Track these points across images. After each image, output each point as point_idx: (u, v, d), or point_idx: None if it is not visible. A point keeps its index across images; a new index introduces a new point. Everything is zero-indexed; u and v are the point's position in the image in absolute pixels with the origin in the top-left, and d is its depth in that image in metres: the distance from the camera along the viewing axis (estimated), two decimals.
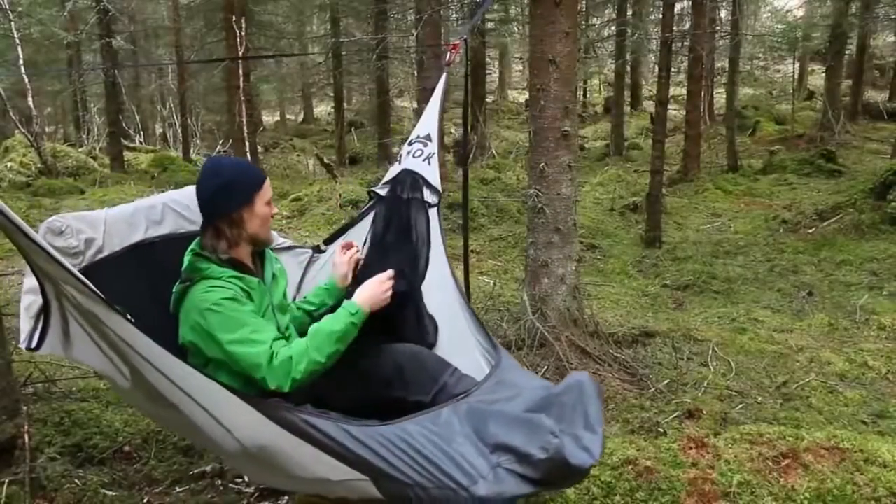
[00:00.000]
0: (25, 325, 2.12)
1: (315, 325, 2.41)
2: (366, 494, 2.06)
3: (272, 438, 2.00)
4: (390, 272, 2.61)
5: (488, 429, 2.06)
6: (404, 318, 2.92)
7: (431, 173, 3.22)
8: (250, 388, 2.29)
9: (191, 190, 2.70)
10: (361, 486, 2.03)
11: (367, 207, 3.31)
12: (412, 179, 3.20)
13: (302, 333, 2.46)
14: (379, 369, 2.58)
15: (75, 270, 1.86)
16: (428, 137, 3.32)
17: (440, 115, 3.41)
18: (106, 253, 2.56)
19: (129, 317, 1.91)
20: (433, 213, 3.17)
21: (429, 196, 3.19)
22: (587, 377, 2.24)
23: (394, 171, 3.30)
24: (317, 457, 1.99)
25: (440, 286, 3.01)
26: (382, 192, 3.27)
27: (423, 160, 3.25)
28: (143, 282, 2.57)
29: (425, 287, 3.05)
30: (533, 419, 2.07)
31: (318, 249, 3.27)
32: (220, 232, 2.44)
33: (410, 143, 3.35)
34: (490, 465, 1.97)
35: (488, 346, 2.70)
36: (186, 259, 2.46)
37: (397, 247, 3.15)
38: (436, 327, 2.95)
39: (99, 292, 1.85)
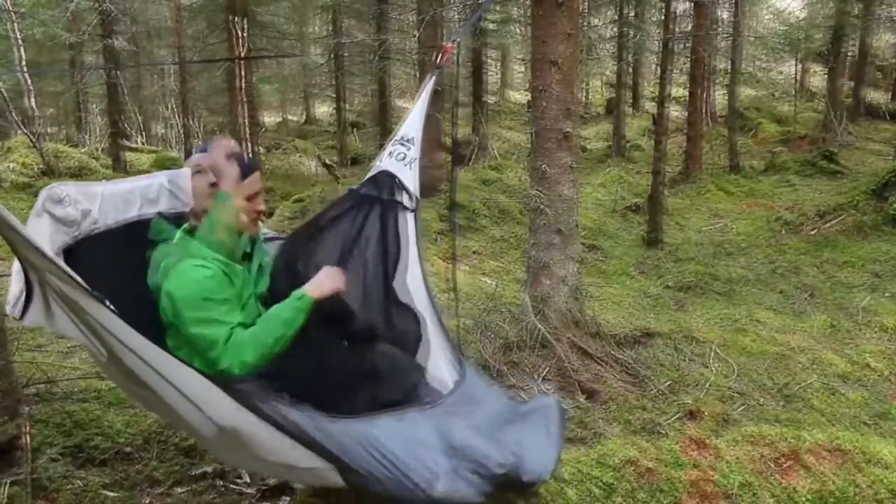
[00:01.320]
0: (15, 287, 2.16)
1: (265, 313, 2.45)
2: (331, 482, 2.12)
3: (243, 423, 2.05)
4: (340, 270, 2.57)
5: (451, 434, 2.12)
6: (371, 320, 2.91)
7: (410, 178, 3.19)
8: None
9: (187, 172, 2.73)
10: (328, 474, 2.09)
11: (345, 206, 3.23)
12: (390, 182, 3.17)
13: None
14: (353, 369, 2.59)
15: (58, 260, 1.92)
16: (410, 141, 3.28)
17: (424, 118, 3.39)
18: (101, 226, 2.60)
19: (108, 303, 1.95)
20: (410, 217, 3.15)
21: (406, 200, 3.16)
22: (555, 401, 2.33)
23: (373, 170, 3.28)
24: (286, 444, 2.05)
25: (412, 294, 3.01)
26: (361, 190, 3.24)
27: (405, 164, 3.22)
28: (134, 258, 2.59)
29: (398, 290, 3.04)
30: (494, 434, 2.15)
31: None
32: (198, 217, 2.53)
33: (393, 144, 3.33)
34: (449, 468, 2.04)
35: (454, 361, 2.75)
36: (176, 235, 2.52)
37: (364, 248, 3.14)
38: (417, 322, 2.94)
39: (81, 280, 1.90)
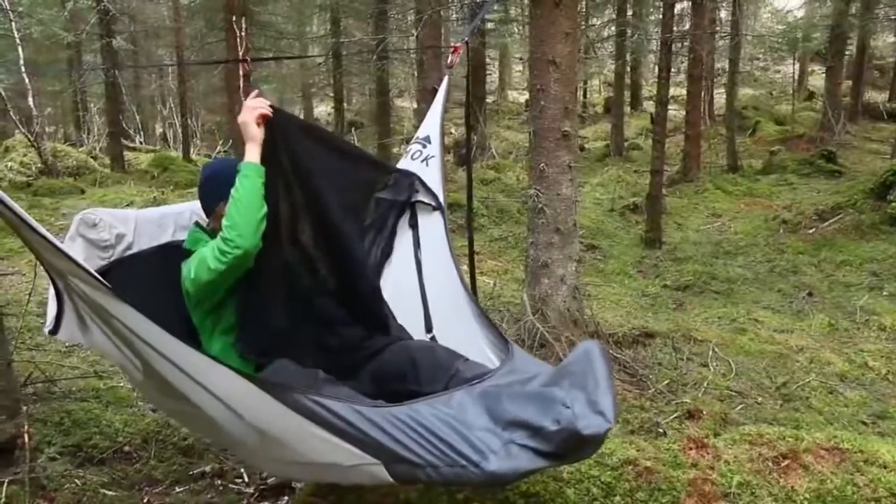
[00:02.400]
0: (51, 310, 2.21)
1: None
2: (377, 479, 2.07)
3: (284, 422, 2.01)
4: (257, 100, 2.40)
5: (501, 406, 2.06)
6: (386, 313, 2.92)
7: (429, 175, 3.21)
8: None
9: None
10: (373, 470, 2.04)
11: (373, 216, 3.19)
12: (409, 181, 3.19)
13: None
14: (392, 365, 2.59)
15: (81, 261, 1.93)
16: (427, 139, 3.32)
17: (442, 117, 3.41)
18: (135, 250, 2.66)
19: (133, 304, 1.95)
20: (437, 215, 3.17)
21: (426, 198, 3.19)
22: (594, 344, 2.25)
23: (394, 174, 3.29)
24: (328, 440, 2.00)
25: (447, 286, 3.01)
26: (385, 196, 3.24)
27: (421, 161, 3.25)
28: (167, 281, 2.61)
29: (432, 288, 3.08)
30: (545, 392, 2.07)
31: None
32: (210, 222, 2.62)
33: (411, 145, 3.36)
34: (502, 442, 1.97)
35: (499, 343, 2.71)
36: (188, 233, 2.61)
37: (398, 253, 3.17)
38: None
39: (105, 282, 1.90)
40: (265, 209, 2.34)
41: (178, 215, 2.86)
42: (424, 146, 3.29)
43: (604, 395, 2.00)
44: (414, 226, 3.18)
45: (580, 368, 2.15)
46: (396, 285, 3.07)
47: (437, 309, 3.05)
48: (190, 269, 2.40)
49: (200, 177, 2.70)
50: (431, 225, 3.17)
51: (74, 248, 2.47)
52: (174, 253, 2.69)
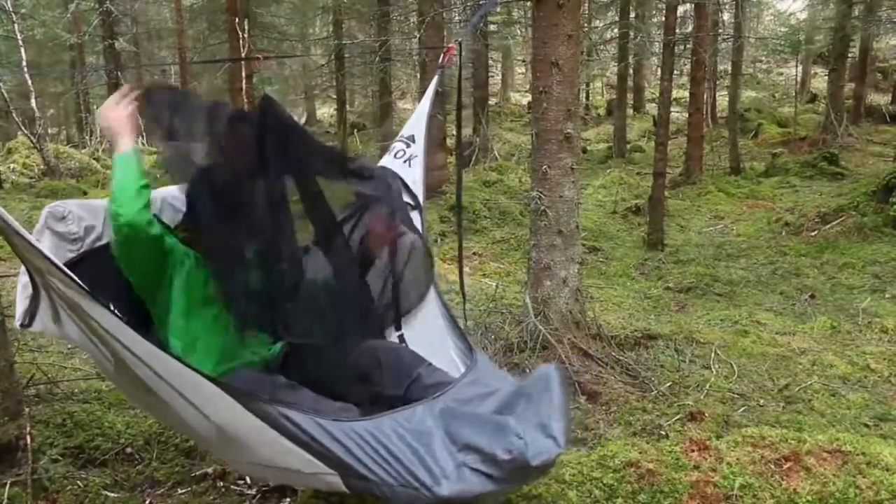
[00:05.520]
0: (21, 303, 2.21)
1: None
2: (333, 488, 2.12)
3: (247, 427, 2.05)
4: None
5: (459, 429, 2.09)
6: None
7: (410, 175, 3.19)
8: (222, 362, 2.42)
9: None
10: (330, 480, 2.08)
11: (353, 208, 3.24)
12: (389, 178, 3.12)
13: None
14: (359, 366, 2.59)
15: (59, 263, 1.95)
16: (411, 138, 3.30)
17: (428, 116, 3.39)
18: (105, 240, 2.58)
19: (111, 308, 2.00)
20: (415, 214, 3.14)
21: (406, 196, 3.15)
22: (553, 369, 2.30)
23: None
24: (290, 449, 2.04)
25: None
26: (366, 190, 3.22)
27: (404, 161, 3.23)
28: None
29: (403, 288, 3.05)
30: (499, 420, 2.10)
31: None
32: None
33: (394, 142, 3.34)
34: (455, 465, 2.00)
35: (464, 348, 2.73)
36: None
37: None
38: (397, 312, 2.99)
39: (83, 284, 1.92)
40: (143, 181, 2.35)
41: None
42: (408, 145, 3.27)
43: (557, 419, 2.05)
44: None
45: (537, 391, 2.20)
46: (368, 279, 3.06)
47: (407, 307, 3.02)
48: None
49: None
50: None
51: (43, 242, 2.43)
52: None
